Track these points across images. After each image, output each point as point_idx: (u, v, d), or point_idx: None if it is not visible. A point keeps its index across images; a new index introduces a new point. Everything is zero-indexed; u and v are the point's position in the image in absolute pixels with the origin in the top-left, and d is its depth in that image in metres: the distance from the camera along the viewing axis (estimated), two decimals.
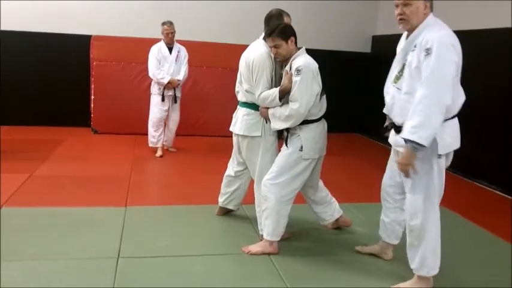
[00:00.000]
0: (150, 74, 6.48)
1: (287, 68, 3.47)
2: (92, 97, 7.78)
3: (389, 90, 3.03)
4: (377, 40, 8.94)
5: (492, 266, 3.59)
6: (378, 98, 8.47)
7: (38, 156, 6.03)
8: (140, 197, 4.72)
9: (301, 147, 3.50)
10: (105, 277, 3.03)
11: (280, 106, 3.48)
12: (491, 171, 5.83)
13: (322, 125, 3.68)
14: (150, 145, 6.62)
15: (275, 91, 3.46)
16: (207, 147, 7.19)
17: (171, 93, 6.55)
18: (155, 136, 6.60)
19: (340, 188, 5.37)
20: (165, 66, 6.47)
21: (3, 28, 7.54)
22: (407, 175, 2.85)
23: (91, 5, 7.86)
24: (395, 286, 3.11)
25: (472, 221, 4.48)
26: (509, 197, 5.45)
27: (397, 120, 2.97)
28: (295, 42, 3.48)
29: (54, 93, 7.97)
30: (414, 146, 2.72)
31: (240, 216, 4.32)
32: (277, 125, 3.52)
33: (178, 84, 6.55)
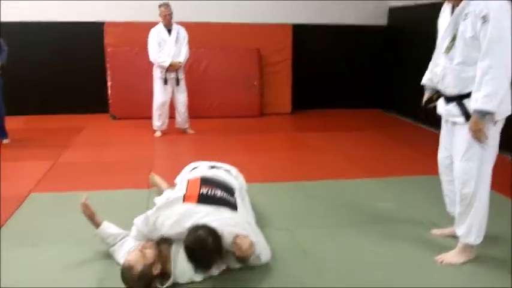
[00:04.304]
0: (151, 59, 6.51)
1: None
2: (109, 83, 7.85)
3: (440, 61, 3.05)
4: (394, 12, 8.74)
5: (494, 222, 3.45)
6: (397, 72, 8.50)
7: (60, 143, 6.13)
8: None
9: None
10: None
11: None
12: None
13: None
14: (155, 128, 6.73)
15: None
16: (223, 128, 7.23)
17: (173, 75, 6.59)
18: (160, 119, 6.69)
19: (361, 163, 5.40)
20: (165, 48, 6.49)
21: (17, 19, 7.62)
22: (481, 141, 2.88)
23: None
24: (439, 257, 3.13)
25: None
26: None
27: (449, 91, 3.01)
28: None
29: (71, 81, 8.03)
30: (482, 114, 2.79)
31: None
32: None
33: (180, 66, 6.57)
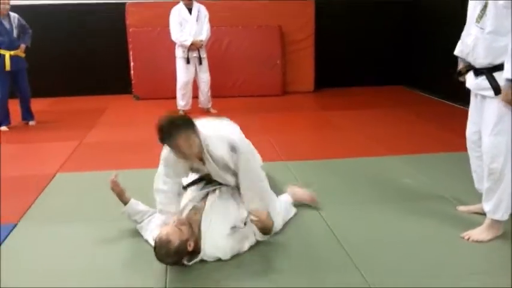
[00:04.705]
0: (173, 38, 6.51)
1: None
2: (132, 64, 7.88)
3: (471, 31, 2.95)
4: None
5: None
6: (421, 47, 8.33)
7: (84, 124, 6.22)
8: None
9: None
10: None
11: None
12: None
13: None
14: (178, 108, 6.74)
15: None
16: (246, 107, 7.20)
17: (195, 54, 6.56)
18: (183, 99, 6.71)
19: (385, 140, 5.35)
20: (187, 27, 6.47)
21: (40, 2, 7.68)
22: None
23: None
24: (466, 233, 3.08)
25: None
26: None
27: (480, 62, 2.92)
28: None
29: (94, 62, 8.10)
30: None
31: None
32: None
33: (202, 45, 6.54)
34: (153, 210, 3.14)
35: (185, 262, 2.74)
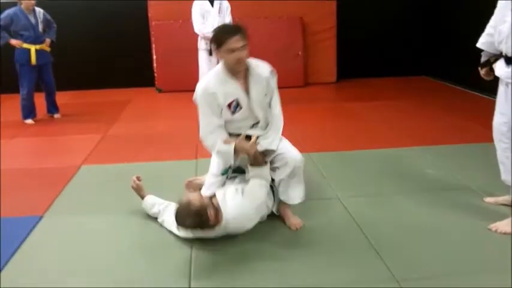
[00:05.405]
0: (196, 30, 6.50)
1: None
2: (154, 57, 7.92)
3: (507, 18, 2.87)
4: None
5: None
6: (444, 38, 8.19)
7: (108, 117, 6.28)
8: None
9: None
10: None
11: None
12: None
13: None
14: None
15: None
16: None
17: None
18: None
19: (409, 131, 5.29)
20: (209, 20, 6.45)
21: None
22: None
23: None
24: (493, 225, 3.02)
25: None
26: None
27: None
28: None
29: (116, 55, 8.16)
30: None
31: None
32: None
33: None
34: (167, 202, 3.20)
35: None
